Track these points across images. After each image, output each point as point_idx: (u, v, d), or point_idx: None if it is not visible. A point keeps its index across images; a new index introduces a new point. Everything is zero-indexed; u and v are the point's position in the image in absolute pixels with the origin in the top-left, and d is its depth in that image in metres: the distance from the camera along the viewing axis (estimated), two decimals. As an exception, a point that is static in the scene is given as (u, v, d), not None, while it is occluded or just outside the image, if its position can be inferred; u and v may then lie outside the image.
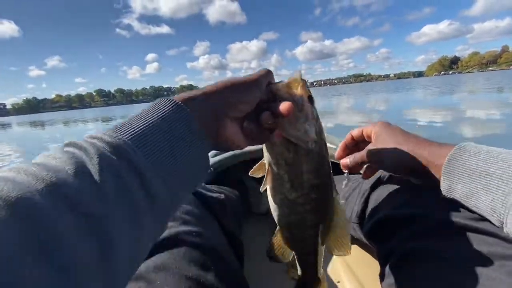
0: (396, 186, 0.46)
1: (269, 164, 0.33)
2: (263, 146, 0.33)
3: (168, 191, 0.22)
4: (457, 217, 0.35)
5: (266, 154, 0.33)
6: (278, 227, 0.39)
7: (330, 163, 0.35)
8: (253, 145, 0.32)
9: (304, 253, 0.39)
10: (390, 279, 0.40)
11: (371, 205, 0.50)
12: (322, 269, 0.41)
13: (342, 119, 6.14)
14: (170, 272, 0.31)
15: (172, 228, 0.35)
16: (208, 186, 0.56)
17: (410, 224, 0.40)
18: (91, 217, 0.17)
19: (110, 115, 22.80)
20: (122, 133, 0.21)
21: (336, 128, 5.07)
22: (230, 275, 0.39)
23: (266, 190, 0.36)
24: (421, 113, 6.08)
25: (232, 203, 0.59)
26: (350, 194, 0.59)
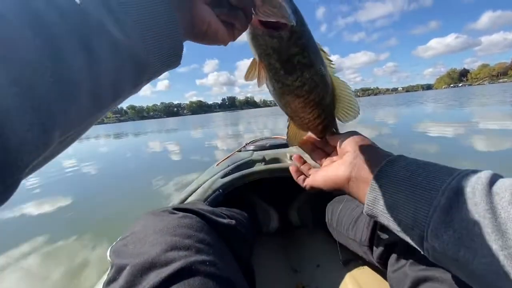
0: None
1: (260, 59, 0.35)
2: (250, 43, 0.35)
3: (139, 35, 0.24)
4: None
5: (254, 50, 0.35)
6: (288, 118, 0.41)
7: (315, 42, 0.36)
8: (234, 34, 0.33)
9: (318, 131, 0.42)
10: None
11: (379, 227, 0.50)
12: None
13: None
14: None
15: (187, 257, 0.35)
16: (217, 210, 0.57)
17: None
18: (76, 26, 0.19)
19: (122, 130, 23.37)
20: None
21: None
22: None
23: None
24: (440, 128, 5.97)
25: (243, 228, 0.60)
26: (359, 216, 0.59)
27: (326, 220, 0.76)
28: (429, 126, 6.21)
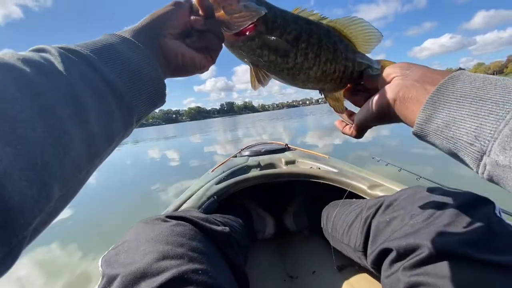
0: (395, 214, 0.47)
1: (255, 63, 0.35)
2: (239, 57, 0.35)
3: (123, 83, 0.26)
4: (456, 246, 0.35)
5: (245, 60, 0.35)
6: (320, 93, 0.39)
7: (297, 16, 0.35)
8: (212, 57, 0.35)
9: (356, 78, 0.39)
10: None
11: (372, 232, 0.50)
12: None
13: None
14: None
15: (179, 266, 0.35)
16: (212, 217, 0.56)
17: (411, 254, 0.40)
18: (62, 83, 0.21)
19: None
20: (84, 48, 0.26)
21: (344, 144, 5.04)
22: None
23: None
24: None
25: (237, 235, 0.59)
26: (354, 221, 0.58)
27: (322, 225, 0.75)
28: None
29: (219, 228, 0.51)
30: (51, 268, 1.77)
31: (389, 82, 0.33)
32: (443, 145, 0.28)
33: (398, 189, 0.66)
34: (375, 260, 0.48)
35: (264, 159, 1.14)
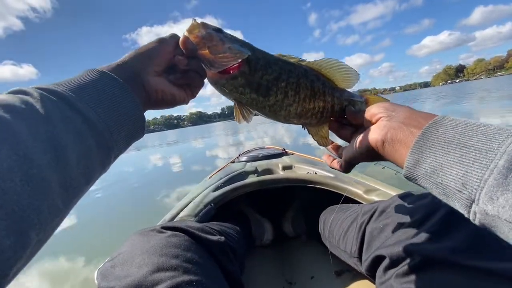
0: (388, 220, 0.47)
1: (238, 100, 0.37)
2: (222, 94, 0.37)
3: (103, 123, 0.27)
4: (446, 253, 0.35)
5: (228, 97, 0.37)
6: (302, 126, 0.41)
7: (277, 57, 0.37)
8: (193, 93, 0.37)
9: (337, 113, 0.41)
10: None
11: (367, 239, 0.50)
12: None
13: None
14: None
15: (174, 278, 0.35)
16: (208, 225, 0.57)
17: (403, 261, 0.40)
18: (41, 129, 0.22)
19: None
20: (62, 86, 0.26)
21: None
22: None
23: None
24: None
25: (234, 243, 0.59)
26: (349, 227, 0.59)
27: (319, 230, 0.75)
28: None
29: (215, 238, 0.51)
30: (55, 277, 1.78)
31: (375, 122, 0.34)
32: (433, 189, 0.29)
33: (394, 193, 0.66)
34: (370, 267, 0.48)
35: (261, 164, 1.14)
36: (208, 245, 0.48)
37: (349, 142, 0.40)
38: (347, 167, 0.40)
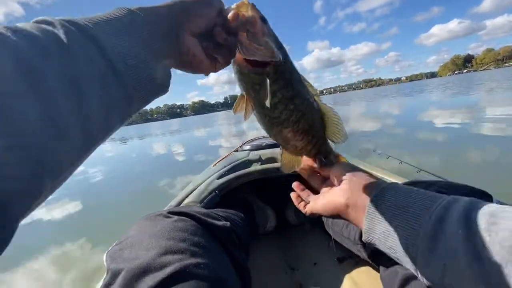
0: None
1: (247, 94, 0.36)
2: (236, 79, 0.37)
3: (129, 72, 0.25)
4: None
5: (240, 85, 0.37)
6: (280, 147, 0.43)
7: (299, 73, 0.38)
8: (216, 67, 0.35)
9: (312, 155, 0.43)
10: None
11: None
12: (335, 154, 0.46)
13: (355, 126, 6.05)
14: None
15: (181, 261, 0.36)
16: (213, 212, 0.57)
17: None
18: (66, 68, 0.20)
19: (127, 134, 23.59)
20: (84, 20, 0.24)
21: (349, 135, 4.99)
22: None
23: None
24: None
25: (239, 229, 0.60)
26: None
27: (323, 218, 0.76)
28: (434, 115, 6.13)
29: (220, 223, 0.51)
30: (63, 261, 1.83)
31: (339, 184, 0.41)
32: (390, 255, 0.33)
33: (399, 182, 0.65)
34: (374, 253, 0.49)
35: (265, 153, 1.14)
36: (214, 230, 0.48)
37: (317, 190, 0.47)
38: (312, 215, 0.47)
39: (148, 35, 0.27)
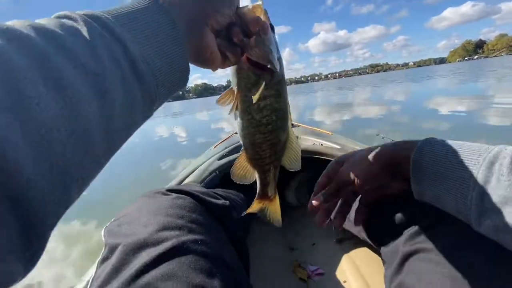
0: None
1: (238, 89, 0.38)
2: (233, 73, 0.38)
3: (150, 69, 0.24)
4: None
5: (235, 80, 0.38)
6: (242, 147, 0.45)
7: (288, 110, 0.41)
8: (225, 65, 0.36)
9: (263, 171, 0.46)
10: (394, 280, 0.40)
11: (373, 206, 0.50)
12: (275, 189, 0.49)
13: (359, 112, 5.98)
14: (177, 281, 0.32)
15: (179, 237, 0.36)
16: (213, 191, 0.57)
17: (412, 223, 0.40)
18: (90, 70, 0.19)
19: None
20: (106, 14, 0.23)
21: (352, 121, 4.96)
22: (236, 281, 0.39)
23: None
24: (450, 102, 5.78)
25: (239, 208, 0.60)
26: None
27: (323, 200, 0.76)
28: (440, 102, 6.02)
29: (220, 201, 0.51)
30: (69, 238, 1.89)
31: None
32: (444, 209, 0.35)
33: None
34: (375, 232, 0.49)
35: None
36: (213, 208, 0.48)
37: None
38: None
39: (173, 30, 0.26)
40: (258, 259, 0.69)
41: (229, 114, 0.40)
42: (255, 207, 0.52)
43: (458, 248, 0.34)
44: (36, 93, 0.16)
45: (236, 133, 1.42)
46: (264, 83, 0.36)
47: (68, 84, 0.17)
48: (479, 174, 0.29)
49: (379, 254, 0.63)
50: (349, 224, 0.60)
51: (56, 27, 0.19)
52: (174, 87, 0.29)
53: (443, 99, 6.36)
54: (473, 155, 0.31)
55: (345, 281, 0.60)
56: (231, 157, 0.85)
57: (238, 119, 0.42)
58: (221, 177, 0.78)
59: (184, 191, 0.46)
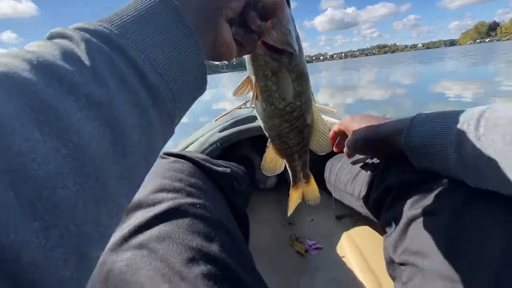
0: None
1: (256, 78, 0.35)
2: (248, 61, 0.35)
3: (163, 81, 0.21)
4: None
5: (252, 69, 0.35)
6: (269, 140, 0.43)
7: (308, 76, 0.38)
8: (240, 53, 0.31)
9: (293, 159, 0.45)
10: (398, 246, 0.40)
11: (376, 180, 0.49)
12: (308, 172, 0.48)
13: (363, 94, 5.87)
14: (173, 242, 0.31)
15: (176, 199, 0.35)
16: (214, 160, 0.56)
17: (414, 190, 0.40)
18: (94, 100, 0.16)
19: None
20: (109, 24, 0.19)
21: (357, 103, 4.88)
22: (235, 247, 0.38)
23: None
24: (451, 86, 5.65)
25: (239, 177, 0.58)
26: (359, 172, 0.57)
27: (325, 176, 0.74)
28: (447, 85, 5.88)
29: (220, 168, 0.50)
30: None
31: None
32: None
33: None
34: (377, 200, 0.48)
35: None
36: (213, 174, 0.46)
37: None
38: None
39: (185, 29, 0.22)
40: (255, 233, 0.69)
41: (250, 106, 0.37)
42: (294, 197, 0.52)
43: (467, 209, 0.33)
44: (30, 146, 0.12)
45: (238, 108, 1.39)
46: (285, 70, 0.33)
47: (69, 124, 0.14)
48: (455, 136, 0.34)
49: (379, 232, 0.63)
50: (352, 199, 0.59)
51: (47, 52, 0.16)
52: (193, 96, 0.25)
53: (451, 83, 6.20)
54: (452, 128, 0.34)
55: (343, 256, 0.59)
56: (233, 130, 0.83)
57: (259, 110, 0.39)
58: (221, 149, 0.76)
59: (182, 155, 0.45)
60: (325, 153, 0.46)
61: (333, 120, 0.93)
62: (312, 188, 0.50)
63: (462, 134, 0.33)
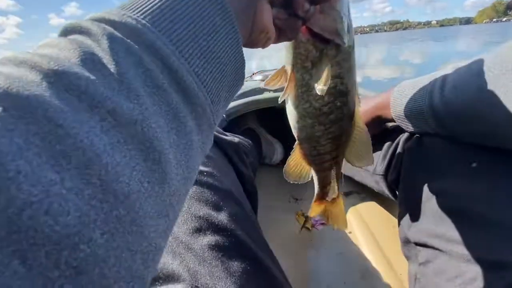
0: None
1: (292, 69, 0.30)
2: (286, 47, 0.30)
3: (200, 82, 0.17)
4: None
5: (289, 57, 0.30)
6: (297, 141, 0.38)
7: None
8: (278, 41, 0.27)
9: (322, 169, 0.39)
10: (407, 226, 0.40)
11: (395, 158, 0.47)
12: (338, 189, 0.41)
13: (370, 73, 5.70)
14: None
15: None
16: (221, 130, 0.54)
17: (433, 170, 0.39)
18: (122, 118, 0.12)
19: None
20: (133, 11, 0.15)
21: (364, 83, 4.75)
22: (243, 217, 0.37)
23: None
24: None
25: (246, 149, 0.57)
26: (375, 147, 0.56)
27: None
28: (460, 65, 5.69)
29: (228, 137, 0.48)
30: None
31: None
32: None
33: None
34: (393, 183, 0.47)
35: None
36: (221, 142, 0.45)
37: None
38: None
39: (224, 16, 0.18)
40: (261, 207, 0.68)
41: (279, 102, 0.32)
42: (314, 210, 0.44)
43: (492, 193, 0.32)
44: (42, 192, 0.09)
45: (245, 80, 1.34)
46: (329, 63, 0.28)
47: (94, 155, 0.11)
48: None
49: (387, 209, 0.62)
50: (367, 174, 0.58)
51: (62, 55, 0.12)
52: (231, 94, 0.21)
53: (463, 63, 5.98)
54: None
55: (350, 232, 0.59)
56: (240, 101, 0.80)
57: (290, 106, 0.34)
58: (228, 121, 0.74)
59: None
60: (362, 167, 0.39)
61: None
62: (338, 211, 0.43)
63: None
